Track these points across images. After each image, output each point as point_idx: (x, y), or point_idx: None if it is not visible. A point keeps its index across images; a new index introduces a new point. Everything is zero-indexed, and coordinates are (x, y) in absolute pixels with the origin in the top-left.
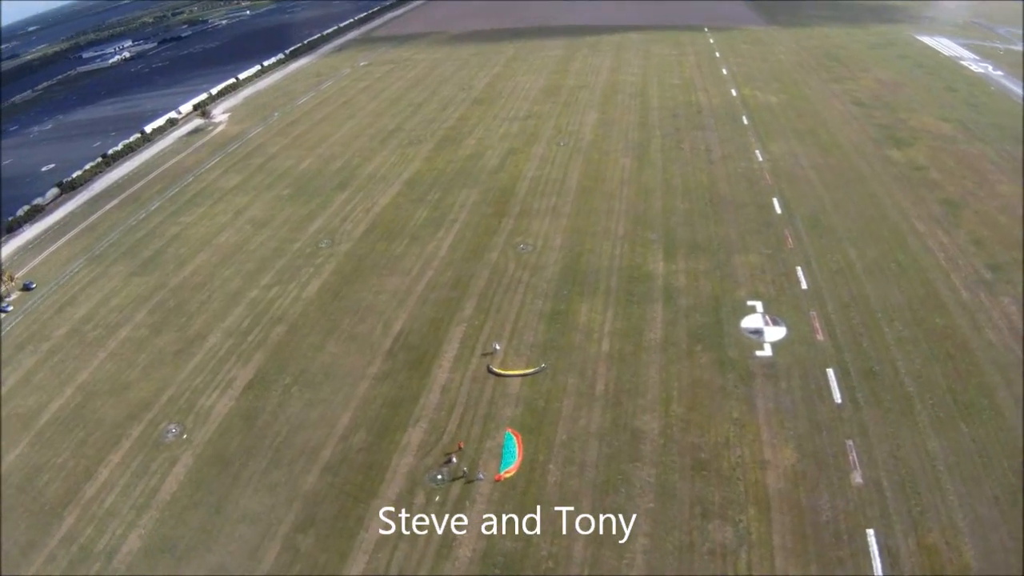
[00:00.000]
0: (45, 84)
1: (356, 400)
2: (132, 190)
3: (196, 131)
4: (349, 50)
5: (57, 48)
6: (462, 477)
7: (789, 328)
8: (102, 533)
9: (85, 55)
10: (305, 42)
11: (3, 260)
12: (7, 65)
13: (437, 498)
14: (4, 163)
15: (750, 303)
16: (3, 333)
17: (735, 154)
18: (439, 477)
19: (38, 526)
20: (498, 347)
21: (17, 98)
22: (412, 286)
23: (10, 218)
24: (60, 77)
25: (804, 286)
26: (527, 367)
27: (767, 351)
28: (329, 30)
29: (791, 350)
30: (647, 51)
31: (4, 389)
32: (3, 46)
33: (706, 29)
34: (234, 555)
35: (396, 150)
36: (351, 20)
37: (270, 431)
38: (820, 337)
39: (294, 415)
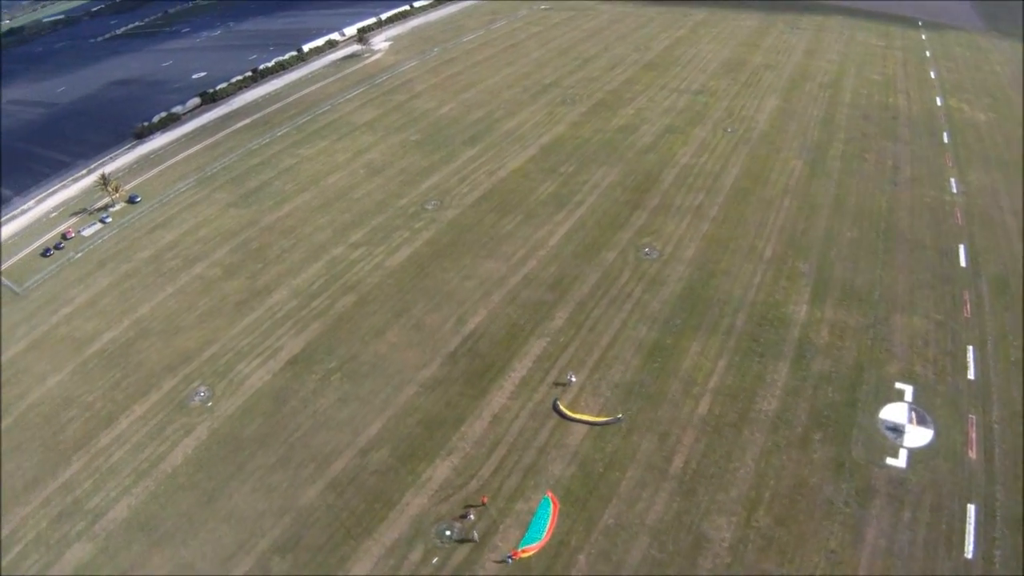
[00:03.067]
0: None
1: (394, 408)
2: (267, 111)
3: (352, 56)
4: None
5: None
6: (471, 541)
7: (937, 432)
8: (98, 490)
9: None
10: None
11: (125, 167)
12: None
13: (435, 560)
14: (164, 65)
15: (899, 386)
16: (91, 247)
17: (926, 178)
18: (447, 533)
19: (47, 464)
20: (574, 379)
21: None
22: (507, 276)
23: (144, 123)
24: None
25: (971, 375)
26: (600, 414)
27: (901, 460)
28: None
29: (932, 465)
30: (851, 37)
31: (74, 305)
32: None
33: (920, 23)
34: (206, 558)
35: (545, 107)
36: None
37: (292, 422)
38: (972, 454)
39: (323, 409)
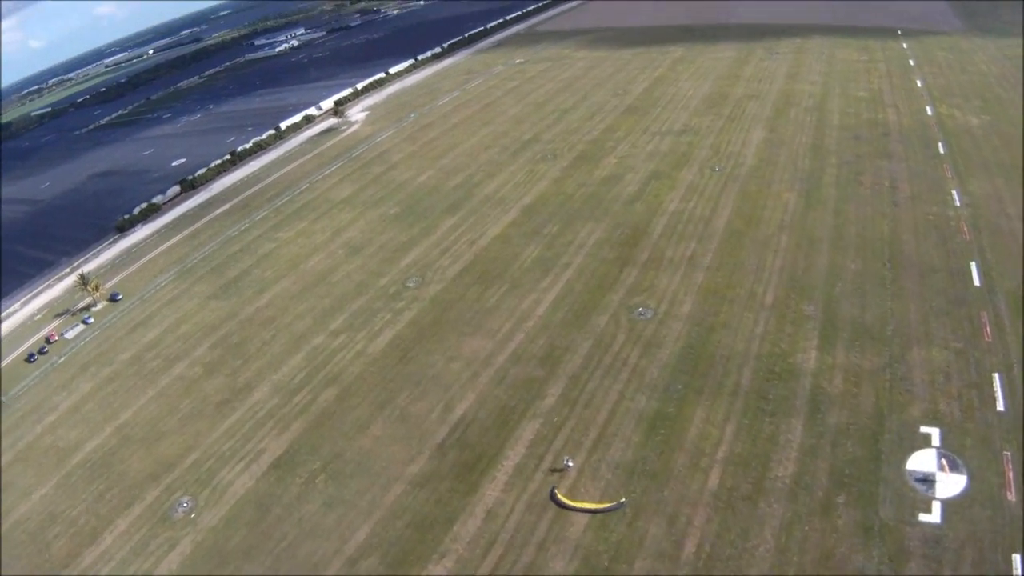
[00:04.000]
0: (212, 71)
1: (381, 510)
2: (245, 195)
3: (329, 130)
4: (509, 45)
5: (236, 34)
6: None
7: (971, 477)
8: None
9: (257, 42)
10: (465, 36)
11: (108, 262)
12: (189, 49)
13: None
14: (145, 153)
15: (924, 430)
16: (74, 350)
17: (926, 194)
18: None
19: None
20: (571, 463)
21: (184, 83)
22: (493, 354)
23: (126, 215)
24: (227, 64)
25: (1001, 406)
26: (601, 501)
27: (935, 515)
28: (493, 23)
29: (969, 515)
30: (831, 55)
31: (58, 412)
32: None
33: (899, 32)
34: None
35: (526, 166)
36: (519, 12)
37: (278, 531)
38: (1011, 497)
39: (308, 516)
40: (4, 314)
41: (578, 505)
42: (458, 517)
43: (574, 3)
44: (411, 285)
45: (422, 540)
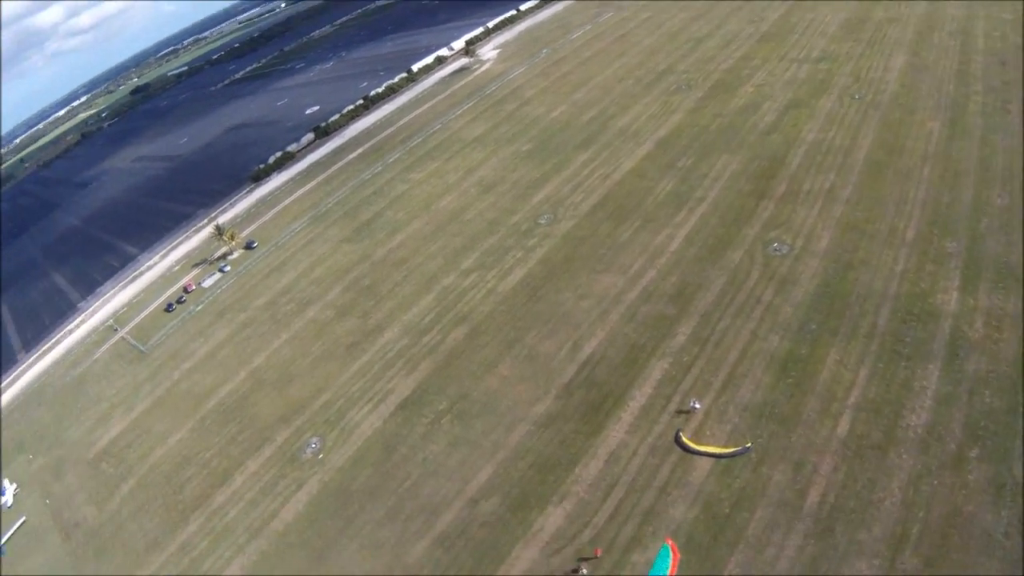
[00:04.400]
0: (343, 19)
1: (505, 451)
2: (378, 139)
3: (461, 70)
4: None
5: None
6: None
7: None
8: (212, 551)
9: None
10: None
11: (244, 212)
12: None
13: None
14: (279, 104)
15: None
16: (211, 298)
17: None
18: None
19: (167, 525)
20: (698, 405)
21: (316, 33)
22: (624, 291)
23: (261, 165)
24: (359, 11)
25: None
26: (727, 445)
27: None
28: None
29: None
30: None
31: (195, 359)
32: None
33: None
34: None
35: (660, 97)
36: None
37: (402, 471)
38: None
39: (433, 456)
40: (145, 266)
41: (703, 449)
42: (580, 459)
43: None
44: (543, 222)
45: (543, 482)
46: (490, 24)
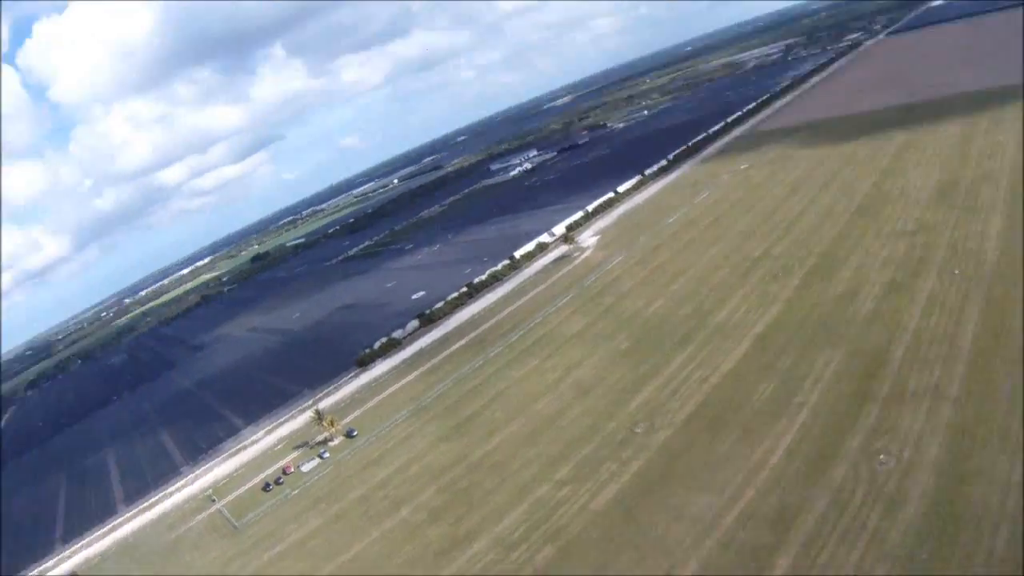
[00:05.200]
0: (451, 199)
1: None
2: (481, 330)
3: (561, 258)
4: (732, 150)
5: (473, 159)
6: None
7: None
8: None
9: (492, 167)
10: (689, 144)
11: (348, 396)
12: (430, 177)
13: None
14: (387, 286)
15: None
16: (308, 484)
17: None
18: None
19: None
20: None
21: (425, 213)
22: (721, 514)
23: (367, 349)
24: (466, 191)
25: None
26: None
27: None
28: (715, 127)
29: None
30: None
31: (286, 544)
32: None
33: None
34: None
35: (757, 286)
36: (738, 114)
37: None
38: None
39: None
40: (249, 441)
41: None
42: None
43: (789, 98)
44: (639, 431)
45: None
46: (589, 208)
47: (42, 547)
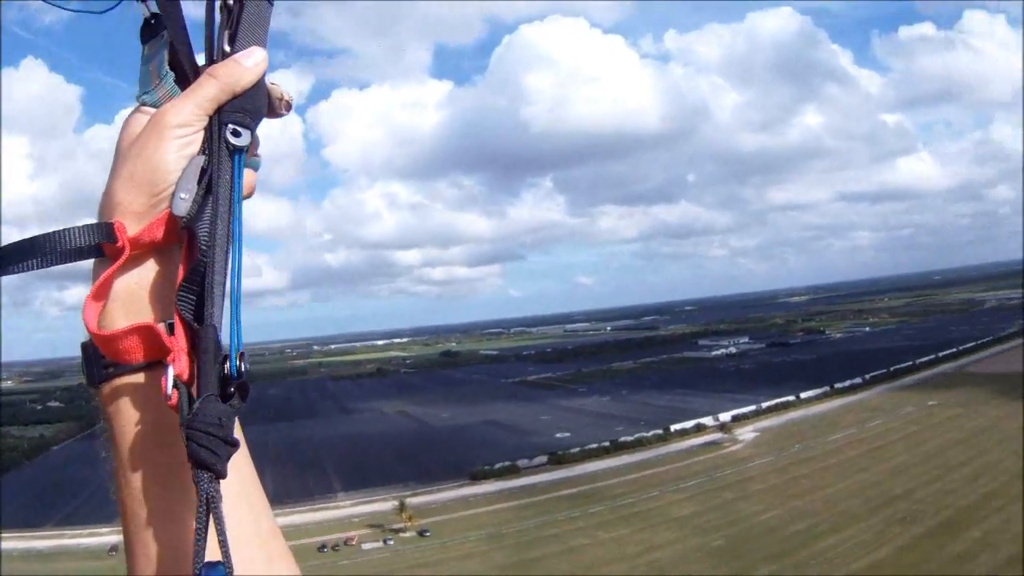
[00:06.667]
0: (647, 360)
1: None
2: (598, 484)
3: (711, 444)
4: (930, 385)
5: (689, 330)
6: None
7: None
8: None
9: (701, 342)
10: (890, 369)
11: (442, 500)
12: (640, 334)
13: None
14: (542, 418)
15: None
16: (359, 561)
17: None
18: None
19: None
20: None
21: (616, 364)
22: None
23: (486, 466)
24: (663, 357)
25: None
26: None
27: None
28: (924, 359)
29: None
30: None
31: None
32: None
33: None
34: None
35: (878, 525)
36: (951, 350)
37: None
38: None
39: None
40: (333, 504)
41: None
42: None
43: (1012, 344)
44: None
45: None
46: (764, 404)
47: None
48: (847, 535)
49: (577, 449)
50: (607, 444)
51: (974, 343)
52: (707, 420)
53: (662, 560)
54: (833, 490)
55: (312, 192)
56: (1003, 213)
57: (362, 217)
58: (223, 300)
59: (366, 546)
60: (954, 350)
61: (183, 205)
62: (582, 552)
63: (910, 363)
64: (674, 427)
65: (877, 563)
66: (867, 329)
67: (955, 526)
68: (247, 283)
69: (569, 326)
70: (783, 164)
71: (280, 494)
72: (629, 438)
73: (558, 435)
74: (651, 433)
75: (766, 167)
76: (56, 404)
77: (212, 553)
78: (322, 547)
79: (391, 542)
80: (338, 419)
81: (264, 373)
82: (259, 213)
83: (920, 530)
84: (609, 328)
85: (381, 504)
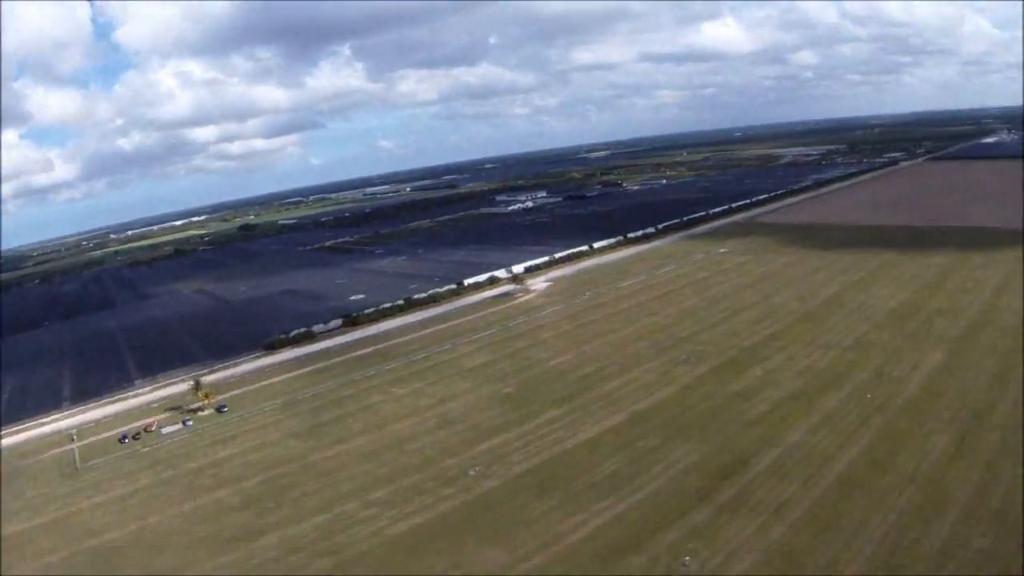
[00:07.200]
0: (444, 218)
1: None
2: (391, 343)
3: (504, 295)
4: (722, 234)
5: (487, 187)
6: None
7: None
8: None
9: (499, 198)
10: (683, 219)
11: (240, 374)
12: (439, 193)
13: None
14: (336, 282)
15: None
16: (159, 445)
17: None
18: None
19: None
20: None
21: (413, 224)
22: (497, 572)
23: (282, 335)
24: (460, 214)
25: None
26: None
27: None
28: (718, 209)
29: None
30: None
31: (108, 496)
32: (454, 176)
33: None
34: None
35: (664, 366)
36: (747, 201)
37: None
38: None
39: None
40: (133, 392)
41: None
42: None
43: (802, 197)
44: (472, 474)
45: None
46: (557, 255)
47: None
48: (633, 376)
49: (372, 309)
50: (401, 302)
51: (767, 195)
52: (500, 272)
53: (454, 410)
54: (622, 334)
55: (103, 78)
56: (805, 77)
57: (155, 98)
58: None
59: (165, 430)
60: (747, 201)
61: None
62: (377, 409)
63: (703, 213)
64: (468, 281)
65: (663, 402)
66: (663, 182)
67: (738, 365)
68: (39, 179)
69: (369, 189)
70: (589, 25)
71: (79, 392)
72: (423, 295)
73: (353, 297)
74: (444, 288)
75: (571, 29)
76: None
77: None
78: (123, 438)
79: (190, 422)
80: (135, 306)
81: (59, 269)
82: (48, 105)
83: (704, 369)
84: (408, 189)
85: (180, 386)
